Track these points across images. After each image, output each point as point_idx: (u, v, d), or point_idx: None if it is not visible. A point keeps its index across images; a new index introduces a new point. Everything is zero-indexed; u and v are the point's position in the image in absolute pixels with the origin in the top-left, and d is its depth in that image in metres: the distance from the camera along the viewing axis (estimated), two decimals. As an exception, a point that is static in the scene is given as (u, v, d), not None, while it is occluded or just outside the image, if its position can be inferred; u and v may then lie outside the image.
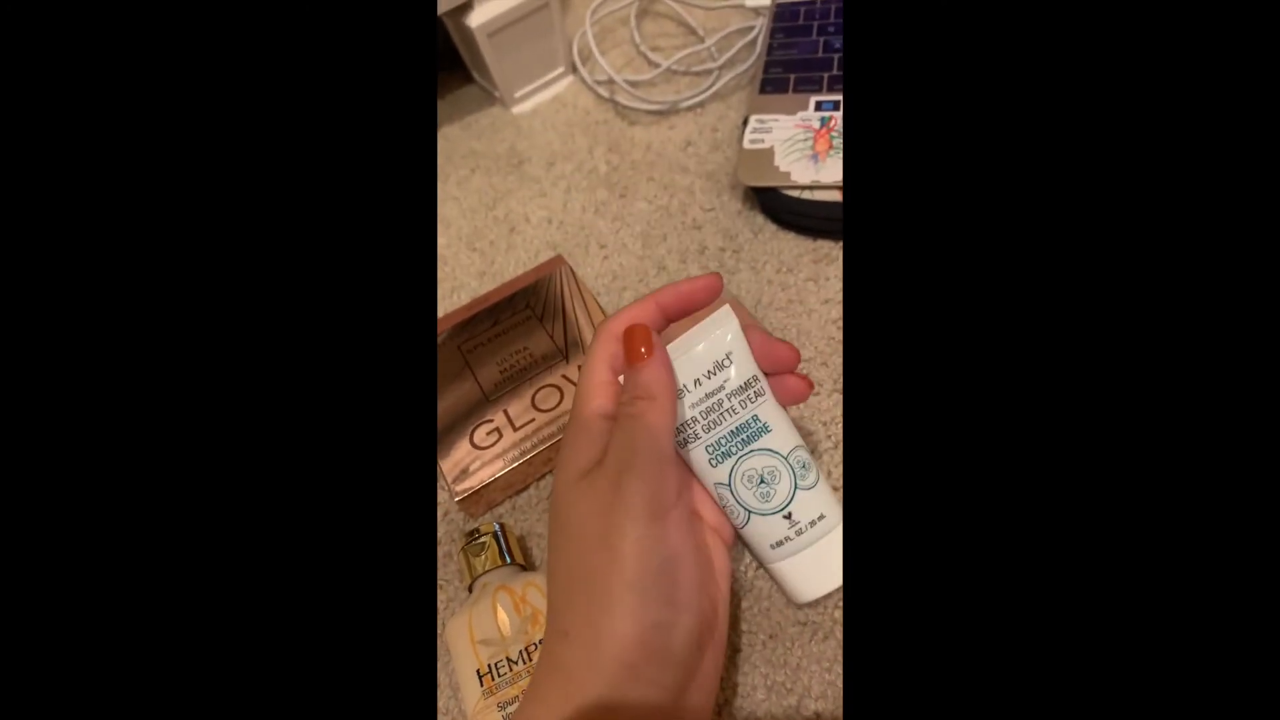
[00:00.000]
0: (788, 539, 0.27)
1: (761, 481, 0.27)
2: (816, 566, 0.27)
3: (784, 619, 0.32)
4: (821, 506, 0.27)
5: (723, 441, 0.27)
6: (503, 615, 0.30)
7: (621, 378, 0.27)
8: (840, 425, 0.36)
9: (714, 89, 0.52)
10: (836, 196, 0.41)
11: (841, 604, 0.32)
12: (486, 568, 0.33)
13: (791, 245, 0.44)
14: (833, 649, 0.31)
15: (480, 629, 0.30)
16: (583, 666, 0.23)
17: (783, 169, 0.43)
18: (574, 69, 0.57)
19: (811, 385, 0.28)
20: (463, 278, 0.48)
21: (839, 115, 0.44)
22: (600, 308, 0.41)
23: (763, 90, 0.47)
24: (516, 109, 0.57)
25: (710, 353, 0.27)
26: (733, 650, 0.32)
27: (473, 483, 0.35)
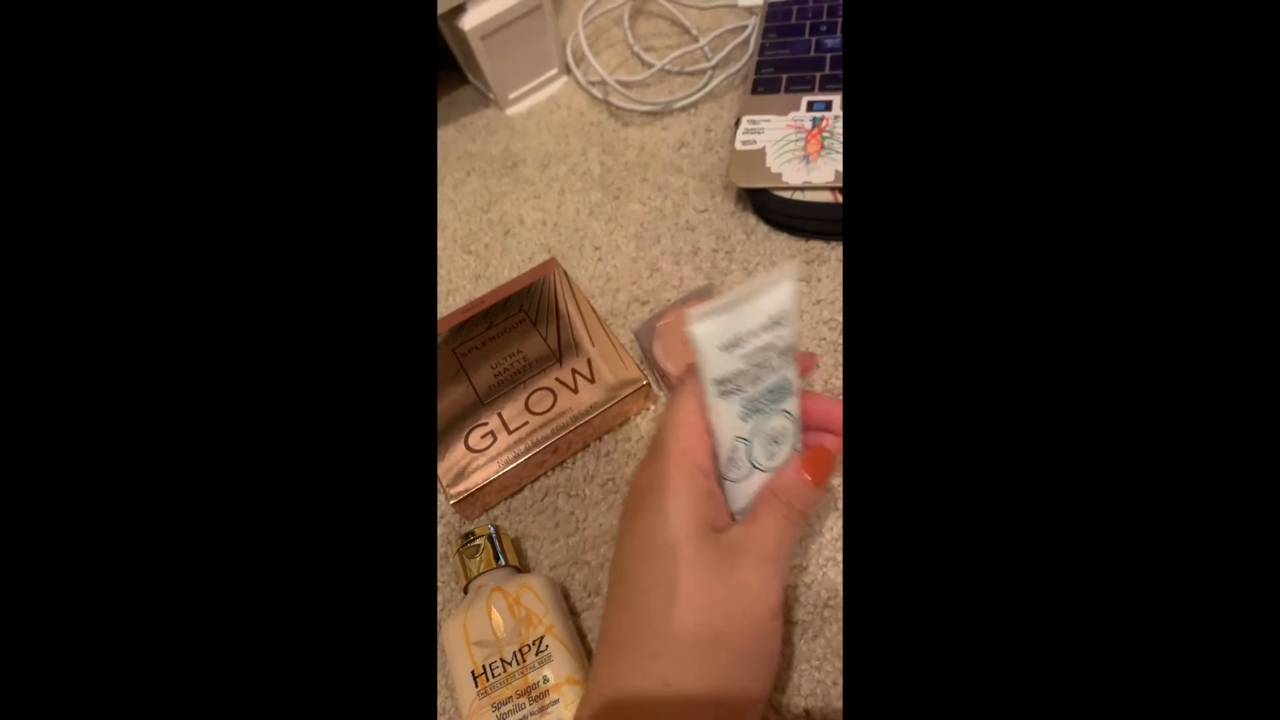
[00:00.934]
0: None
1: (774, 441, 0.27)
2: None
3: (775, 618, 0.32)
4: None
5: (759, 398, 0.26)
6: (497, 617, 0.31)
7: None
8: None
9: (707, 89, 0.52)
10: (827, 198, 0.42)
11: (830, 604, 0.32)
12: (481, 570, 0.33)
13: (784, 246, 0.44)
14: (822, 647, 0.31)
15: (475, 630, 0.31)
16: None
17: (774, 170, 0.43)
18: (568, 70, 0.58)
19: (816, 360, 0.28)
20: (458, 281, 0.48)
21: (830, 115, 0.44)
22: (594, 310, 0.41)
23: (755, 90, 0.48)
24: (511, 110, 0.57)
25: (772, 305, 0.25)
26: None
27: (468, 485, 0.36)
